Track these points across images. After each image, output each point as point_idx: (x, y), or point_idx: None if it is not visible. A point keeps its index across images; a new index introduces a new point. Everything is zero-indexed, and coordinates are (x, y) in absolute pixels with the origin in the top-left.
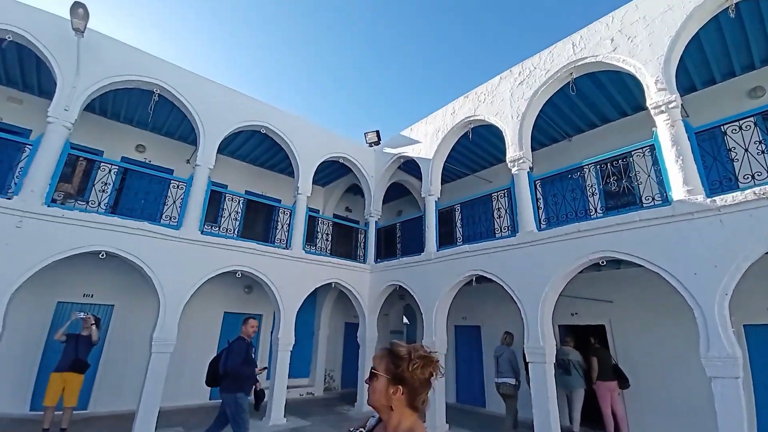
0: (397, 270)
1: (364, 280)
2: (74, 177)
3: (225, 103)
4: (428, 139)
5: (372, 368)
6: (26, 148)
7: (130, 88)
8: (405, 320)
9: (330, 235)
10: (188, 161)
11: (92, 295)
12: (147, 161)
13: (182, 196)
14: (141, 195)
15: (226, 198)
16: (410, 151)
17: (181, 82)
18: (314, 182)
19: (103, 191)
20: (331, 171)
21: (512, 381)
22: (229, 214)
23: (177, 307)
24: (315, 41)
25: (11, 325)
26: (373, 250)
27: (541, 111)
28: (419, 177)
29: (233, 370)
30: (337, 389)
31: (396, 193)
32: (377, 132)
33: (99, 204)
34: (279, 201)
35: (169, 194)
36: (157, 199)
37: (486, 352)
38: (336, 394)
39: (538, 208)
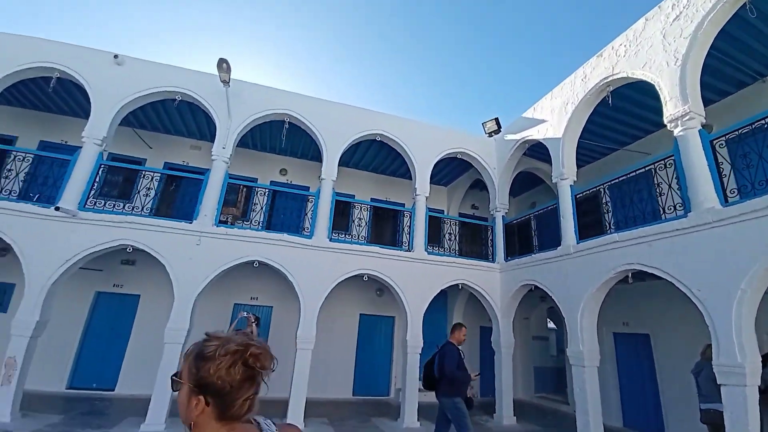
0: (531, 268)
1: (494, 280)
2: (238, 202)
3: (341, 119)
4: (555, 115)
5: (175, 373)
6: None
7: (267, 121)
8: (550, 324)
9: (455, 235)
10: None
11: (257, 298)
12: (288, 182)
13: (312, 209)
14: (286, 211)
15: (353, 207)
16: (535, 133)
17: (304, 107)
18: (436, 182)
19: (259, 210)
20: (451, 169)
21: (721, 407)
22: (357, 222)
23: (314, 309)
24: (422, 39)
25: (200, 321)
26: (502, 248)
27: (711, 47)
28: (549, 161)
29: (450, 374)
30: (476, 397)
31: (526, 183)
32: (496, 120)
33: (259, 222)
34: (403, 205)
35: (305, 208)
36: (298, 213)
37: (661, 367)
38: (475, 403)
39: (721, 176)
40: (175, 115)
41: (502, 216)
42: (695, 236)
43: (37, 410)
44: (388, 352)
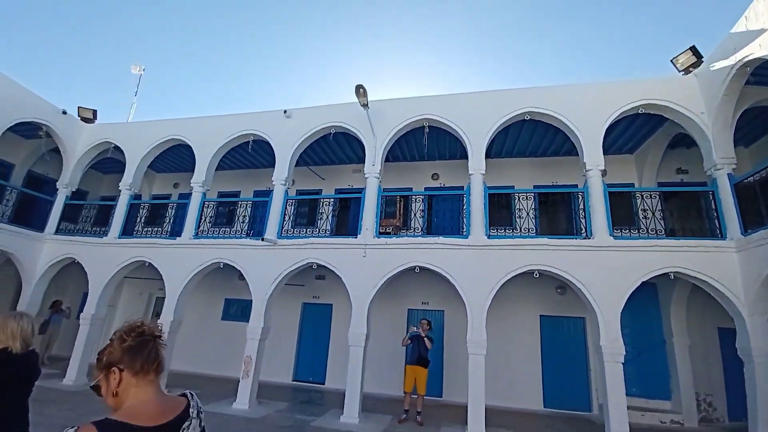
0: None
1: (728, 263)
2: (397, 213)
3: (479, 107)
4: None
5: (92, 385)
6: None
7: (409, 130)
8: None
9: (652, 211)
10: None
11: (428, 303)
12: (441, 185)
13: (465, 207)
14: (443, 214)
15: (513, 197)
16: (757, 49)
17: (438, 107)
18: (616, 151)
19: (417, 217)
20: (635, 130)
21: None
22: (519, 213)
23: (480, 312)
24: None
25: (378, 325)
26: (737, 218)
27: None
28: None
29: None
30: (722, 421)
31: (760, 123)
32: (692, 49)
33: (419, 228)
34: (575, 186)
35: (459, 208)
36: (453, 214)
37: None
38: (719, 429)
39: None
40: (335, 146)
41: (728, 174)
42: None
43: (270, 398)
44: (582, 360)
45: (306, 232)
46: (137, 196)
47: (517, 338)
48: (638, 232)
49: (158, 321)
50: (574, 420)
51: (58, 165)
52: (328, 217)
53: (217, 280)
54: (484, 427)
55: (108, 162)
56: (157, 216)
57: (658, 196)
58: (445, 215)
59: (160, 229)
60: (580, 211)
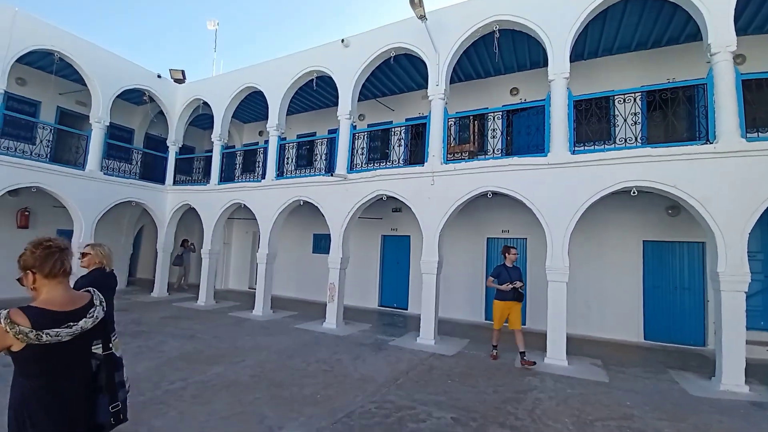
0: None
1: None
2: (472, 136)
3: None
4: None
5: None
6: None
7: (477, 39)
8: None
9: None
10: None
11: (508, 231)
12: (522, 101)
13: (544, 121)
14: (522, 133)
15: (613, 102)
16: None
17: (507, 3)
18: (752, 29)
19: (496, 139)
20: None
21: None
22: (617, 120)
23: (561, 237)
24: None
25: (455, 254)
26: None
27: None
28: None
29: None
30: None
31: None
32: None
33: (498, 150)
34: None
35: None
36: (531, 131)
37: None
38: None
39: None
40: (401, 72)
41: None
42: None
43: (356, 320)
44: (699, 290)
45: (379, 165)
46: (230, 147)
47: (615, 266)
48: None
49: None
50: (679, 353)
51: (166, 125)
52: (399, 147)
53: (306, 217)
54: (565, 354)
55: (204, 118)
56: (250, 163)
57: None
58: (527, 134)
59: (253, 174)
60: (702, 110)
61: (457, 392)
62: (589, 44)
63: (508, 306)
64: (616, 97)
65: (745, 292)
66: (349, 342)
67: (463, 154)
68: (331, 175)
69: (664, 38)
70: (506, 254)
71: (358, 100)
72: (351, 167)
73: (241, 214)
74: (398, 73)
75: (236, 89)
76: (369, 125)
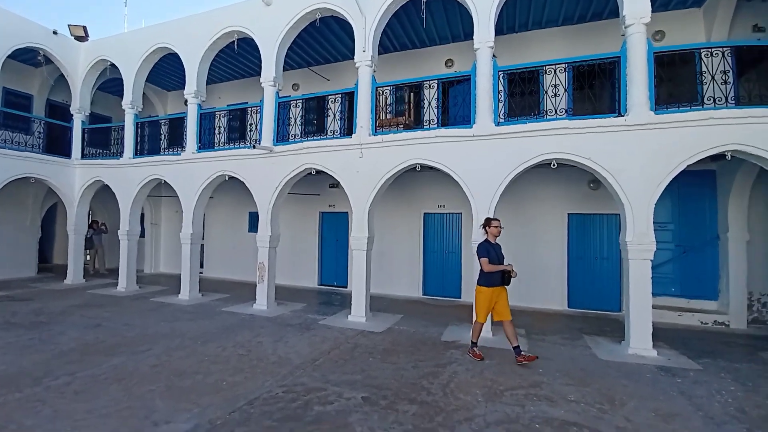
0: None
1: None
2: (407, 109)
3: None
4: None
5: None
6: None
7: (406, 3)
8: None
9: (711, 74)
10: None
11: (444, 206)
12: (456, 73)
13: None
14: (460, 104)
15: (543, 75)
16: None
17: None
18: (678, 4)
19: (428, 110)
20: None
21: None
22: (547, 92)
23: (487, 211)
24: None
25: (392, 229)
26: None
27: None
28: None
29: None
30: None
31: None
32: None
33: (432, 121)
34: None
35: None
36: (462, 102)
37: None
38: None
39: None
40: (333, 39)
41: None
42: None
43: (292, 300)
44: (615, 259)
45: (315, 137)
46: (152, 117)
47: (543, 238)
48: (694, 105)
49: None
50: (597, 319)
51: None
52: (331, 118)
53: (241, 194)
54: (491, 326)
55: (116, 82)
56: (178, 135)
57: (721, 55)
58: (457, 106)
59: (182, 147)
60: (618, 84)
61: (375, 370)
62: (519, 17)
63: (496, 293)
64: (545, 68)
65: (651, 260)
66: (276, 323)
67: (399, 126)
68: (254, 147)
69: (589, 13)
70: (487, 228)
71: (290, 68)
72: (279, 139)
73: (170, 191)
74: (330, 39)
75: (147, 50)
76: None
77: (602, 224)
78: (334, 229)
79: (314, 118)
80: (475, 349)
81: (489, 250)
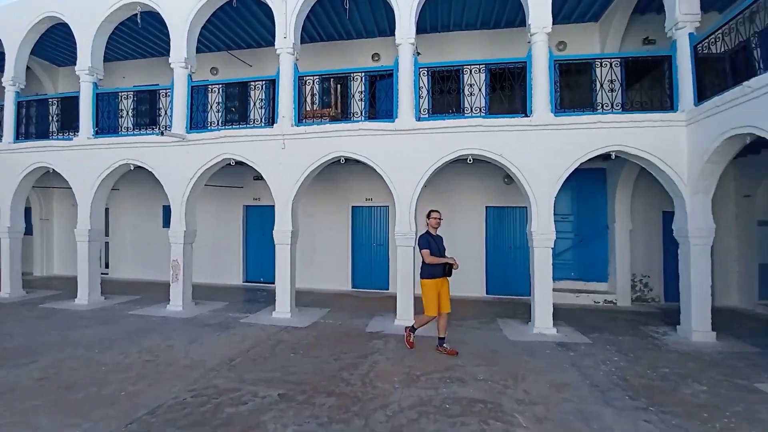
0: (742, 106)
1: (676, 139)
2: (334, 100)
3: None
4: None
5: None
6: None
7: None
8: None
9: (600, 82)
10: (419, 54)
11: (372, 199)
12: (379, 66)
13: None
14: (383, 97)
15: (463, 75)
16: None
17: None
18: (579, 18)
19: (358, 101)
20: None
21: None
22: (467, 91)
23: (408, 203)
24: None
25: (319, 223)
26: (691, 85)
27: None
28: None
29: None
30: (656, 301)
31: None
32: None
33: (359, 113)
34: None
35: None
36: (386, 96)
37: None
38: (653, 308)
39: None
40: (254, 23)
41: (690, 34)
42: None
43: (214, 299)
44: (527, 247)
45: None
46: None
47: (463, 230)
48: (591, 110)
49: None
50: (511, 304)
51: None
52: (255, 106)
53: (154, 186)
54: (413, 314)
55: None
56: (70, 117)
57: (609, 65)
58: (386, 100)
59: (71, 131)
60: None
61: (295, 365)
62: (442, 18)
63: (438, 284)
64: (464, 68)
65: (552, 248)
66: (192, 324)
67: (325, 117)
68: (162, 134)
69: (503, 20)
70: (428, 219)
71: (208, 50)
72: (194, 126)
73: (64, 181)
74: (251, 22)
75: (34, 19)
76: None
77: (515, 216)
78: (259, 223)
79: (236, 106)
80: (411, 335)
81: (430, 242)
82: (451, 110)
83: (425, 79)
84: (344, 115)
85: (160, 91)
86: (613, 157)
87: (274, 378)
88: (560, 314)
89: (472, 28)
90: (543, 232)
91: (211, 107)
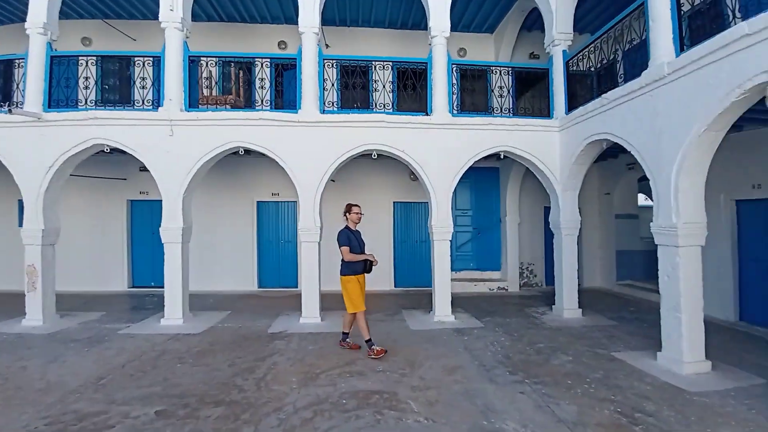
0: (602, 115)
1: (552, 143)
2: (235, 87)
3: None
4: None
5: None
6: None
7: None
8: (645, 200)
9: (491, 88)
10: (328, 46)
11: (278, 194)
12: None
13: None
14: (291, 87)
15: (373, 70)
16: None
17: None
18: (476, 28)
19: (261, 89)
20: (493, 3)
21: None
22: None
23: (312, 198)
24: None
25: (224, 219)
26: (563, 97)
27: None
28: None
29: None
30: (540, 286)
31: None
32: None
33: (266, 102)
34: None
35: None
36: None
37: None
38: (537, 292)
39: None
40: None
41: (564, 51)
42: None
43: (85, 310)
44: (428, 242)
45: (114, 106)
46: None
47: (373, 225)
48: (476, 109)
49: None
50: (417, 295)
51: None
52: (133, 85)
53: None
54: (319, 312)
55: None
56: None
57: (499, 73)
58: (289, 89)
59: None
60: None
61: (181, 377)
62: (350, 12)
63: (360, 281)
64: (374, 64)
65: (450, 241)
66: (55, 340)
67: (226, 105)
68: (10, 112)
69: (410, 21)
70: (347, 214)
71: (79, 16)
72: (55, 104)
73: None
74: None
75: None
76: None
77: (421, 211)
78: (148, 221)
79: (114, 85)
80: (374, 347)
81: (350, 238)
82: (356, 105)
83: (333, 71)
84: (248, 104)
85: (17, 61)
86: (501, 156)
87: (153, 394)
88: (460, 302)
89: (382, 26)
90: (442, 225)
91: (79, 83)
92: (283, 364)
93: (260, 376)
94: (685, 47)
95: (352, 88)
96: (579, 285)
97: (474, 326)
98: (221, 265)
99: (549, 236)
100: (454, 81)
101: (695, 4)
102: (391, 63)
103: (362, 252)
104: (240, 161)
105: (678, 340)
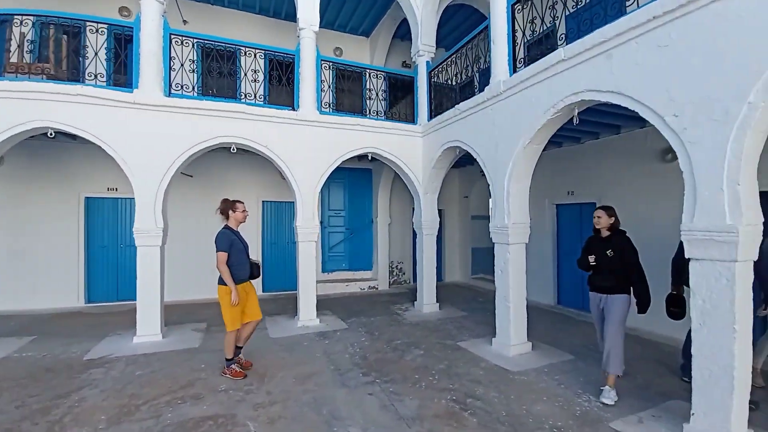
0: (455, 124)
1: (416, 147)
2: (55, 54)
3: None
4: None
5: None
6: None
7: None
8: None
9: (376, 91)
10: (186, 22)
11: (117, 189)
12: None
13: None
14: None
15: (241, 57)
16: None
17: None
18: (352, 30)
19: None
20: (368, 7)
21: None
22: (250, 76)
23: (154, 195)
24: None
25: (41, 222)
26: (426, 105)
27: None
28: None
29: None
30: (408, 283)
31: (464, 22)
32: None
33: (105, 77)
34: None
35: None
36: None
37: None
38: (405, 289)
39: None
40: None
41: (427, 62)
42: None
43: (16, 334)
44: None
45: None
46: None
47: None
48: (344, 108)
49: None
50: (285, 299)
51: None
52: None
53: None
54: (161, 328)
55: None
56: None
57: (369, 76)
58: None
59: None
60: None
61: None
62: None
63: (245, 290)
64: (244, 50)
65: (315, 242)
66: None
67: (42, 74)
68: None
69: (283, 11)
70: (230, 212)
71: None
72: None
73: None
74: None
75: None
76: None
77: (293, 212)
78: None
79: None
80: (233, 366)
81: (233, 241)
82: (211, 91)
83: (190, 51)
84: (76, 77)
85: None
86: (369, 158)
87: None
88: (329, 304)
89: (252, 11)
90: (307, 226)
91: None
92: (93, 398)
93: (56, 418)
94: (517, 68)
95: (218, 74)
96: (440, 280)
97: (338, 328)
98: (31, 276)
99: (416, 235)
100: (326, 78)
101: (535, 34)
102: (259, 50)
103: (247, 255)
104: (62, 147)
105: (507, 326)
